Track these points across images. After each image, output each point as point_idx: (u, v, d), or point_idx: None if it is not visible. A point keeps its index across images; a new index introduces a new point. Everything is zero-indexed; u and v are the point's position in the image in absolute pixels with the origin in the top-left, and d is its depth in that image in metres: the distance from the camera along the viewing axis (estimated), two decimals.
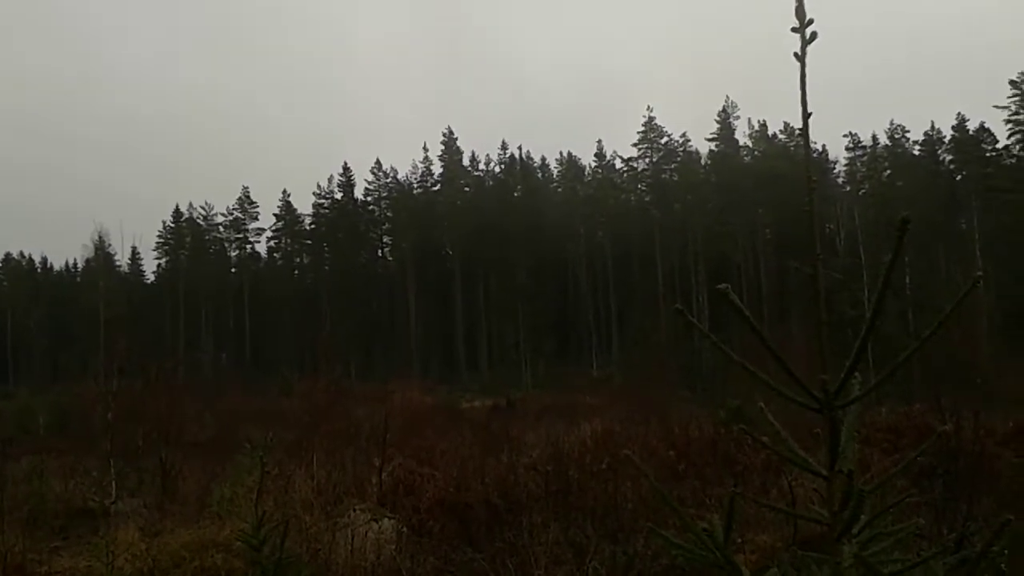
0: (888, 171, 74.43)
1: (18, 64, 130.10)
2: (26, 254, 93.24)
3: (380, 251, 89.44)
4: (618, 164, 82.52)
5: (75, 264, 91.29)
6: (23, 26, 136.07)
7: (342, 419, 13.19)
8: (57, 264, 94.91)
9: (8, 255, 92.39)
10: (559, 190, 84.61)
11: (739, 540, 6.77)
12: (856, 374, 2.05)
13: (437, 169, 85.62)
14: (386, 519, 8.24)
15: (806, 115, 2.06)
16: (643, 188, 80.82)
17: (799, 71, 2.05)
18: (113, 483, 13.39)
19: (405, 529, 8.16)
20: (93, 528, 11.33)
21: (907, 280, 59.24)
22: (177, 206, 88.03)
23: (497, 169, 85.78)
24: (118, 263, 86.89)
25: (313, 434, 11.42)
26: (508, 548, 7.20)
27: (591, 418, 20.39)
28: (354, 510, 8.03)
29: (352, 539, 7.52)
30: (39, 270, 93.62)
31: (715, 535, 2.13)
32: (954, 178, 70.76)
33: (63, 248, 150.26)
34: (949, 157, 72.20)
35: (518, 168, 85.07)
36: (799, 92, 2.06)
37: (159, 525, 10.58)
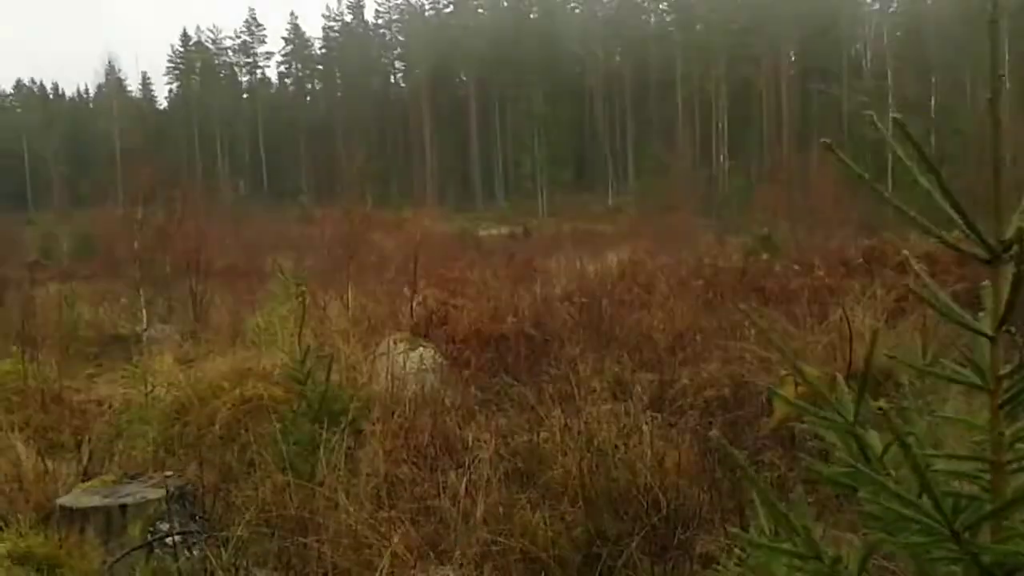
0: None
1: None
2: (37, 80, 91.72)
3: (393, 77, 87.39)
4: None
5: (87, 90, 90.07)
6: None
7: (371, 249, 13.12)
8: (69, 91, 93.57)
9: (19, 81, 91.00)
10: (577, 12, 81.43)
11: (783, 372, 6.71)
12: None
13: None
14: (422, 348, 8.23)
15: None
16: (664, 8, 77.67)
17: None
18: (143, 311, 13.48)
19: (442, 359, 8.17)
20: (126, 355, 11.36)
21: (932, 101, 57.65)
22: (184, 30, 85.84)
23: None
24: (129, 89, 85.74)
25: (346, 264, 11.32)
26: (548, 378, 7.20)
27: (615, 248, 20.28)
28: (393, 342, 8.00)
29: (390, 367, 7.51)
30: (51, 97, 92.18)
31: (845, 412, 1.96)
32: None
33: (73, 75, 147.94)
34: None
35: None
36: None
37: (193, 353, 10.67)
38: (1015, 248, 1.64)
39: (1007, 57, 59.36)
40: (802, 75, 68.69)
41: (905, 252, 2.08)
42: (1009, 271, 1.77)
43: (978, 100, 55.79)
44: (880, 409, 1.54)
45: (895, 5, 71.25)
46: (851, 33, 68.46)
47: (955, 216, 1.76)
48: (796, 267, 11.93)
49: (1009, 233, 1.71)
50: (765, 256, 14.32)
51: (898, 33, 66.24)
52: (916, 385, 5.11)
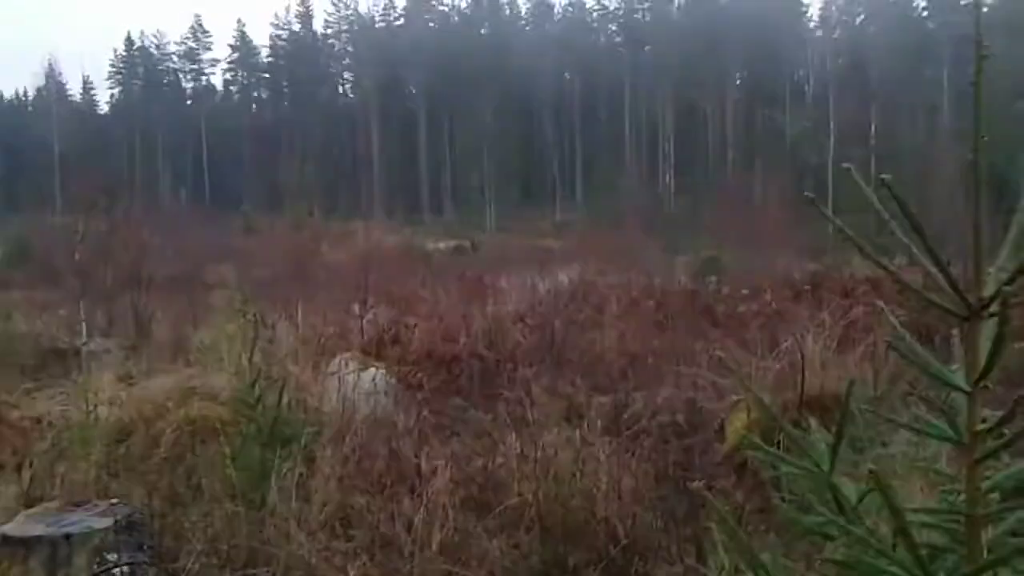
0: (862, 15, 72.98)
1: None
2: None
3: (341, 87, 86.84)
4: (589, 2, 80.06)
5: (25, 93, 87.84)
6: None
7: (320, 264, 12.96)
8: (7, 93, 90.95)
9: None
10: (527, 29, 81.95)
11: (734, 398, 6.77)
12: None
13: (401, 1, 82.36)
14: (374, 368, 8.13)
15: None
16: (614, 28, 78.63)
17: None
18: (83, 324, 13.12)
19: (394, 380, 8.08)
20: (65, 370, 11.05)
21: (872, 129, 59.12)
22: (128, 34, 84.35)
23: (463, 4, 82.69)
24: (70, 93, 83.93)
25: (293, 280, 11.17)
26: (503, 401, 7.16)
27: (564, 265, 20.32)
28: (343, 362, 7.89)
29: (341, 389, 7.40)
30: None
31: (820, 460, 1.97)
32: (926, 25, 69.42)
33: (11, 78, 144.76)
34: (923, 3, 70.68)
35: (484, 4, 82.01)
36: None
37: (135, 369, 10.40)
38: (996, 307, 1.66)
39: (946, 84, 61.26)
40: (747, 98, 69.98)
41: (886, 309, 2.10)
42: (988, 328, 1.80)
43: (917, 127, 57.47)
44: (871, 471, 1.54)
45: (837, 32, 73.09)
46: (795, 58, 70.04)
47: (935, 272, 1.78)
48: (744, 291, 12.09)
49: (989, 291, 1.73)
50: (714, 278, 14.48)
51: (840, 60, 67.92)
52: (868, 416, 5.21)
